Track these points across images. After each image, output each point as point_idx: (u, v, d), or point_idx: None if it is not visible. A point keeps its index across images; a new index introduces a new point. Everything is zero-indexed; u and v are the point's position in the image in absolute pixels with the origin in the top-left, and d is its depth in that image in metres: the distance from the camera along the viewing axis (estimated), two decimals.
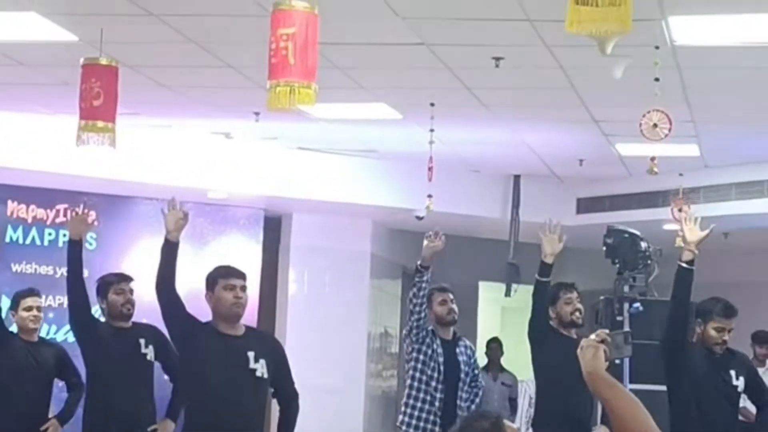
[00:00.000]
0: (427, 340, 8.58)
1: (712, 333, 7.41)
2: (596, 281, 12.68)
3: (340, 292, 13.59)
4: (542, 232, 8.01)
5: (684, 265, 7.38)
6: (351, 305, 13.61)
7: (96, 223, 8.53)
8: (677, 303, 7.40)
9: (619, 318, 9.16)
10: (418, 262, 8.54)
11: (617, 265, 9.15)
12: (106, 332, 7.90)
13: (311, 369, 12.17)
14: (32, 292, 8.47)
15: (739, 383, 7.56)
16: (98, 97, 6.97)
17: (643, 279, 9.40)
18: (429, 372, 8.52)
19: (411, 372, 8.61)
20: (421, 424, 8.51)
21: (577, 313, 8.16)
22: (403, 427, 8.57)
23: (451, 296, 8.84)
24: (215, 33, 7.71)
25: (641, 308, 9.09)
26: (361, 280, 13.87)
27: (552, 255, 7.96)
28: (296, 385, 7.01)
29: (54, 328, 11.83)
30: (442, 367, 8.53)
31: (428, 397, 8.52)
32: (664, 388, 10.63)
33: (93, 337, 7.81)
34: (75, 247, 7.75)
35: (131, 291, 8.00)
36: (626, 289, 9.06)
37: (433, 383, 8.51)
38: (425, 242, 8.60)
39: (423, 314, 8.53)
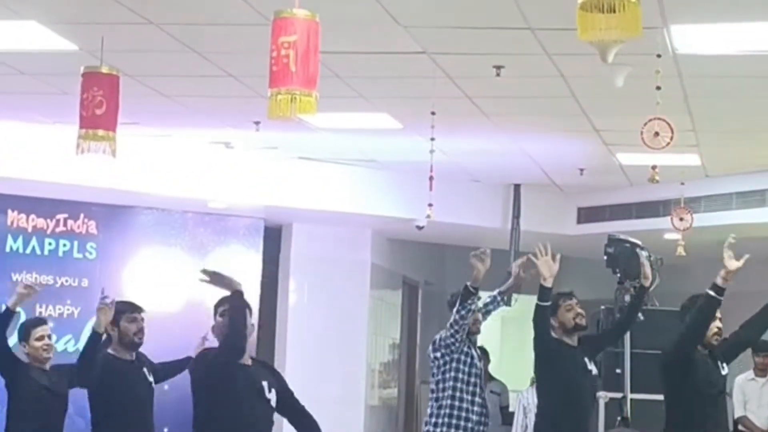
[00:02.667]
0: (464, 348, 8.54)
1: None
2: (597, 291, 12.65)
3: (340, 302, 13.57)
4: (535, 256, 7.92)
5: (713, 294, 7.35)
6: (351, 315, 13.59)
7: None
8: (699, 326, 7.39)
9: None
10: (469, 284, 8.37)
11: (618, 275, 9.12)
12: (116, 366, 7.80)
13: (311, 379, 12.15)
14: (41, 321, 8.41)
15: (726, 369, 7.59)
16: (101, 106, 6.95)
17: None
18: (473, 378, 8.51)
19: (450, 383, 8.52)
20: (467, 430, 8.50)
21: (580, 317, 8.14)
22: None
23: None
24: (216, 42, 7.70)
25: (642, 318, 9.06)
26: (362, 290, 13.85)
27: (551, 277, 7.90)
28: (296, 395, 6.99)
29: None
30: (481, 372, 8.57)
31: (466, 405, 8.50)
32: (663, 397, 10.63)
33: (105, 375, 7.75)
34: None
35: (143, 320, 7.93)
36: (627, 298, 9.02)
37: (477, 388, 8.50)
38: (475, 262, 8.42)
39: (464, 335, 8.51)
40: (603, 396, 10.71)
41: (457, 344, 8.53)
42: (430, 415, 8.70)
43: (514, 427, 12.51)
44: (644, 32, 5.14)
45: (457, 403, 8.54)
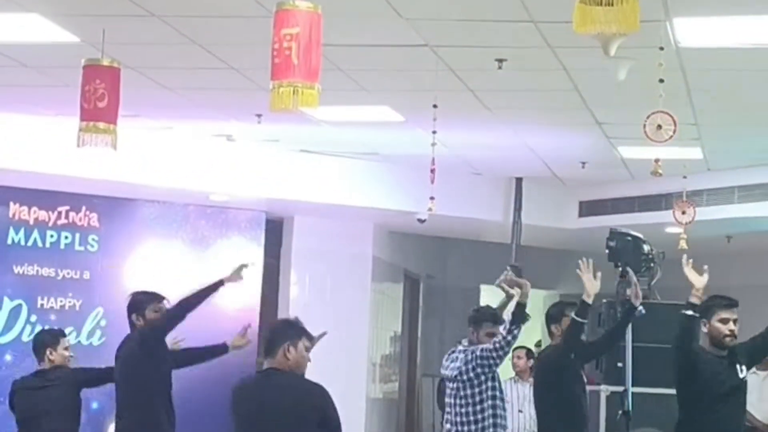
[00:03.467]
0: (494, 368, 8.32)
1: (718, 325, 7.39)
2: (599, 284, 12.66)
3: (341, 295, 13.56)
4: (580, 270, 7.96)
5: (692, 313, 7.41)
6: (352, 308, 13.58)
7: None
8: (688, 343, 7.49)
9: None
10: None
11: (620, 269, 9.11)
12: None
13: (312, 372, 12.12)
14: (65, 333, 8.70)
15: (744, 372, 7.57)
16: (102, 99, 6.94)
17: (646, 282, 9.38)
18: (501, 394, 8.37)
19: (490, 401, 8.33)
20: None
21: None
22: None
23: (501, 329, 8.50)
24: (217, 34, 7.69)
25: (644, 311, 9.06)
26: (363, 283, 13.85)
27: (594, 294, 7.92)
28: None
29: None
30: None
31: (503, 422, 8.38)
32: (666, 391, 10.63)
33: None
34: None
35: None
36: (628, 292, 9.02)
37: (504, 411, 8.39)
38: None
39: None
40: (604, 390, 10.72)
41: (495, 361, 8.27)
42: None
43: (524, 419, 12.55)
44: (647, 25, 5.14)
45: (499, 421, 8.34)
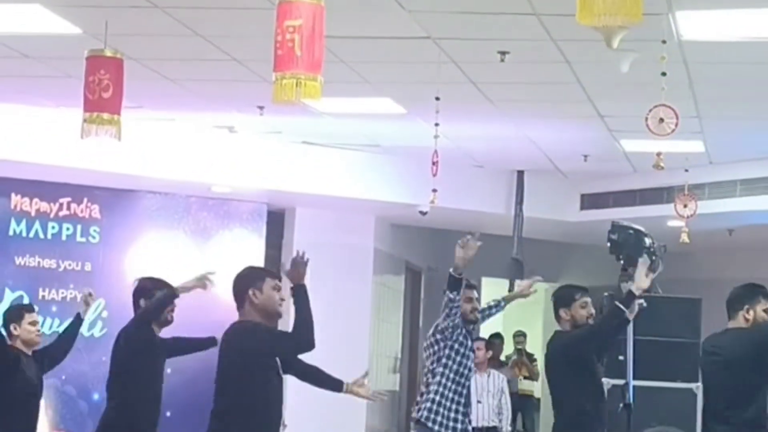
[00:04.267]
0: (461, 338, 8.54)
1: (764, 314, 7.40)
2: (600, 277, 12.64)
3: (342, 287, 13.55)
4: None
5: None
6: (354, 300, 13.58)
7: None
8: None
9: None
10: (451, 270, 8.34)
11: (621, 262, 9.10)
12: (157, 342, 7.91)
13: (313, 363, 12.13)
14: (33, 307, 8.41)
15: None
16: (107, 89, 6.94)
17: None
18: (462, 369, 8.50)
19: (442, 369, 8.53)
20: (451, 418, 8.51)
21: (591, 317, 8.23)
22: (434, 426, 8.51)
23: (476, 294, 8.76)
24: (220, 26, 7.68)
25: (645, 304, 9.06)
26: (364, 276, 13.85)
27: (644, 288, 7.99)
28: (300, 381, 7.01)
29: (57, 321, 11.81)
30: (471, 363, 8.58)
31: (462, 390, 8.52)
32: (668, 384, 10.67)
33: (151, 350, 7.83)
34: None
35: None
36: (629, 284, 9.01)
37: (464, 379, 8.51)
38: (457, 249, 8.31)
39: (457, 320, 8.49)
40: (606, 383, 10.71)
41: (450, 331, 8.51)
42: (420, 401, 8.72)
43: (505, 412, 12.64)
44: (649, 18, 5.13)
45: (446, 392, 8.53)
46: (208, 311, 12.39)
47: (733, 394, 7.23)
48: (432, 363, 8.66)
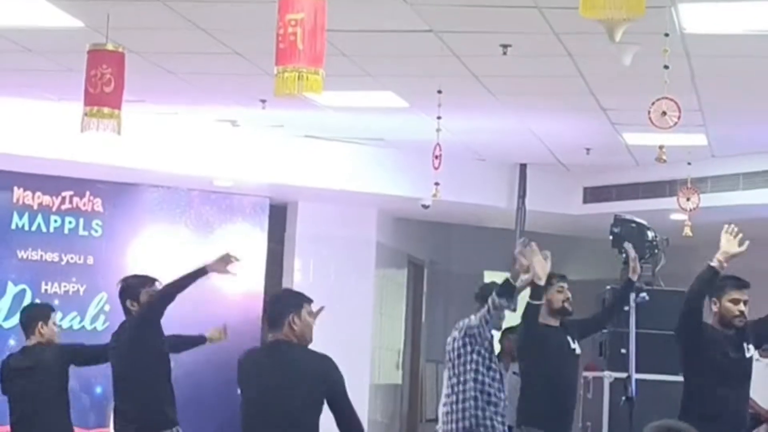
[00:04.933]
0: (486, 342, 8.31)
1: (729, 305, 7.45)
2: (603, 271, 12.65)
3: (345, 281, 13.56)
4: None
5: (714, 265, 7.50)
6: (356, 294, 13.58)
7: None
8: (697, 295, 7.55)
9: (625, 308, 9.14)
10: (509, 277, 7.75)
11: (624, 255, 9.11)
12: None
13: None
14: (53, 308, 8.70)
15: (751, 351, 7.61)
16: (109, 84, 6.93)
17: (650, 269, 9.36)
18: (492, 372, 8.33)
19: (474, 375, 8.34)
20: (498, 420, 8.41)
21: (568, 302, 8.26)
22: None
23: (566, 284, 8.57)
24: (222, 19, 7.68)
25: (647, 298, 9.07)
26: (367, 269, 13.85)
27: (545, 276, 7.87)
28: None
29: (60, 315, 11.79)
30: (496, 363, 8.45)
31: (497, 393, 8.37)
32: (670, 377, 10.63)
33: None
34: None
35: None
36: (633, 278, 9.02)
37: (496, 382, 8.34)
38: (520, 257, 7.75)
39: (491, 326, 8.28)
40: (608, 376, 10.72)
41: (479, 334, 8.30)
42: (455, 402, 8.45)
43: (441, 404, 12.64)
44: (652, 11, 5.12)
45: (486, 397, 8.34)
46: (211, 305, 12.42)
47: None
48: (460, 365, 8.34)
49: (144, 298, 7.78)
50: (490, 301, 7.72)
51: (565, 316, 8.38)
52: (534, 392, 8.30)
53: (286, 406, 6.00)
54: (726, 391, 7.45)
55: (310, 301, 6.35)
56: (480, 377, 8.24)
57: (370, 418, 13.70)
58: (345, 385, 6.16)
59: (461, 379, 8.20)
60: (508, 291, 7.67)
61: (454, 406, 8.27)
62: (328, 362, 6.13)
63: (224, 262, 7.74)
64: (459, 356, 8.17)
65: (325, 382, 6.07)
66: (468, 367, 8.14)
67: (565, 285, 8.34)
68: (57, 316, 8.55)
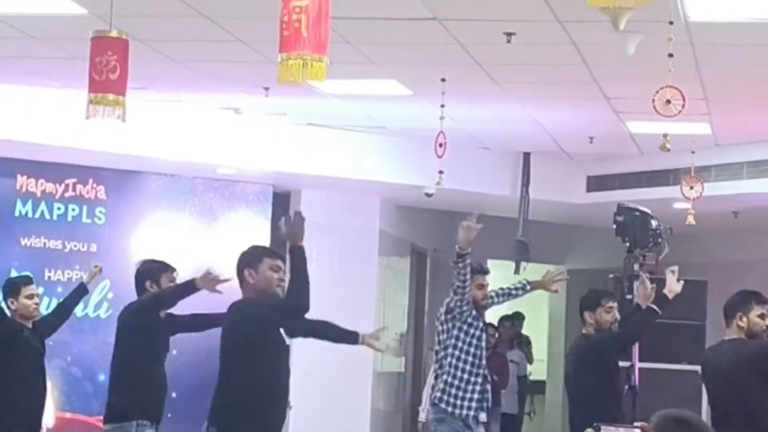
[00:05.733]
0: (469, 319, 8.57)
1: (757, 320, 7.42)
2: (606, 259, 12.66)
3: (348, 269, 13.56)
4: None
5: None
6: (359, 282, 13.58)
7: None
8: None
9: (628, 296, 9.15)
10: (457, 247, 8.44)
11: (627, 243, 9.11)
12: (159, 322, 7.99)
13: (318, 345, 12.15)
14: (31, 280, 8.47)
15: None
16: (114, 71, 6.91)
17: (653, 257, 9.36)
18: (474, 350, 8.52)
19: (452, 350, 8.58)
20: (466, 398, 8.52)
21: (615, 324, 8.42)
22: (447, 407, 8.55)
23: (488, 281, 8.85)
24: (225, 6, 7.66)
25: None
26: (370, 257, 13.84)
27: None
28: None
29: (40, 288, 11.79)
30: (484, 344, 8.62)
31: (476, 370, 8.53)
32: (673, 366, 10.66)
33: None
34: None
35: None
36: (636, 267, 9.02)
37: (477, 359, 8.53)
38: (461, 231, 8.50)
39: (467, 296, 8.52)
40: None
41: (459, 311, 8.54)
42: (437, 376, 8.77)
43: (426, 387, 12.72)
44: None
45: (459, 373, 8.55)
46: (214, 296, 12.40)
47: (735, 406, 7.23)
48: (444, 343, 8.68)
49: (165, 284, 7.87)
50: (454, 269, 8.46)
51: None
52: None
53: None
54: None
55: (276, 256, 6.72)
56: (458, 353, 8.45)
57: (373, 406, 13.72)
58: (264, 319, 6.44)
59: (442, 354, 8.51)
60: (458, 257, 8.42)
61: (436, 381, 8.58)
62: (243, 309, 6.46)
63: (211, 281, 7.71)
64: (443, 332, 8.66)
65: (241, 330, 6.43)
66: (449, 342, 8.46)
67: (614, 305, 8.44)
68: (33, 288, 8.26)
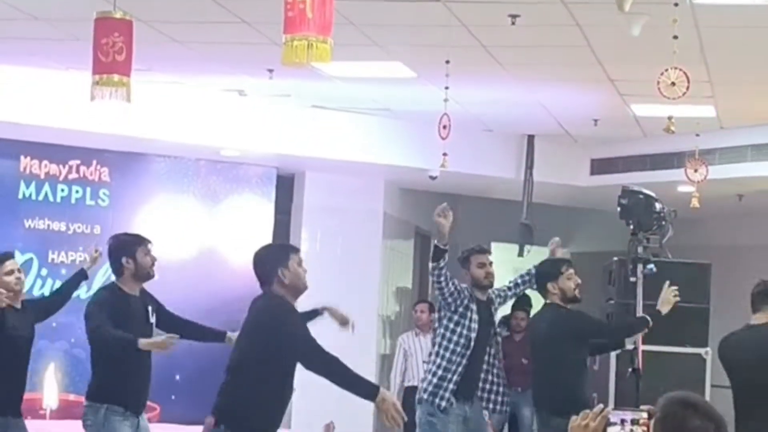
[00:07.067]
0: (461, 309, 8.52)
1: None
2: (610, 242, 12.64)
3: (352, 252, 13.56)
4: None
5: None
6: (363, 265, 13.58)
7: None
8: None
9: (632, 279, 9.15)
10: (435, 242, 8.45)
11: (631, 226, 9.11)
12: (124, 301, 7.65)
13: (323, 328, 12.14)
14: (11, 255, 8.24)
15: None
16: (121, 52, 6.90)
17: (658, 240, 9.36)
18: (455, 347, 8.48)
19: (440, 339, 8.57)
20: (442, 389, 8.50)
21: (578, 288, 8.42)
22: (429, 396, 8.53)
23: (490, 258, 8.83)
24: None
25: (655, 269, 9.06)
26: (374, 240, 13.84)
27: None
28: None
29: (17, 261, 11.76)
30: (474, 334, 8.51)
31: (461, 360, 8.50)
32: (676, 349, 10.65)
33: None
34: None
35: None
36: (640, 250, 9.02)
37: (464, 349, 8.47)
38: (439, 220, 8.55)
39: (452, 287, 8.48)
40: None
41: (445, 303, 8.53)
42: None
43: (393, 370, 12.73)
44: None
45: (440, 361, 8.54)
46: (218, 277, 12.43)
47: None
48: (437, 331, 8.70)
49: (140, 258, 7.66)
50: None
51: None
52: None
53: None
54: None
55: (297, 250, 6.55)
56: (444, 342, 8.47)
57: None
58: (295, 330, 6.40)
59: (434, 341, 8.67)
60: (436, 254, 8.37)
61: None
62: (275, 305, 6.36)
63: (159, 346, 7.45)
64: (437, 319, 8.72)
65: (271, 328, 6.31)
66: (438, 331, 8.50)
67: (573, 271, 8.44)
68: (13, 263, 8.04)
